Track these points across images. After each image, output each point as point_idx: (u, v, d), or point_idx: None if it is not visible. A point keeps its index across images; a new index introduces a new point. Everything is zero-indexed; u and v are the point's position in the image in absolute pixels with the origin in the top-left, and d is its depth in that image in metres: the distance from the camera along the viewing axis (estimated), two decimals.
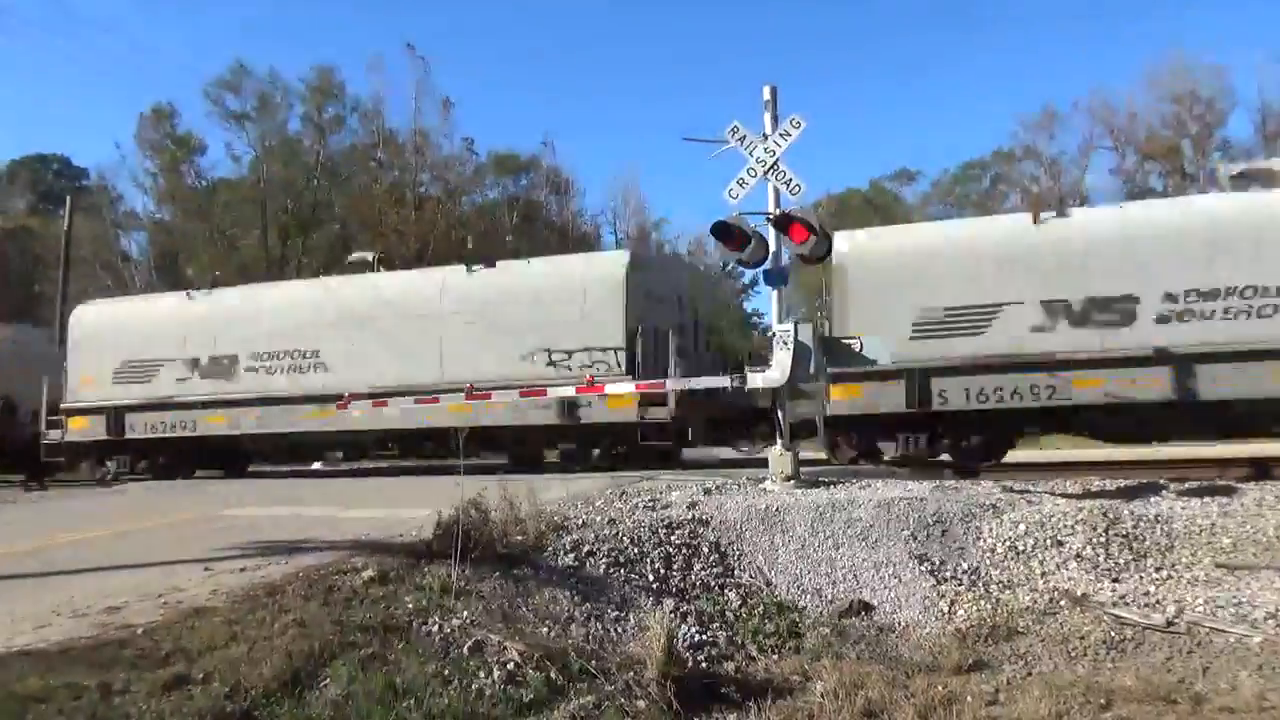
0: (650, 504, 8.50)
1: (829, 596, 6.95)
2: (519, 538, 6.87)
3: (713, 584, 6.98)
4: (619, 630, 6.04)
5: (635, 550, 7.17)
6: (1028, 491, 9.06)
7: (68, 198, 34.92)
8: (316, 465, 19.20)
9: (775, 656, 6.00)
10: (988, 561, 7.30)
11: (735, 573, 7.22)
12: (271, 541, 7.57)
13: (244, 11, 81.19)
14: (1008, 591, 6.89)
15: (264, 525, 8.66)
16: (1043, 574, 7.04)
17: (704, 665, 5.66)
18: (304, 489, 13.48)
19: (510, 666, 4.84)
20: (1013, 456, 13.75)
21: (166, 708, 3.68)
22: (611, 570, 6.86)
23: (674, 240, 57.96)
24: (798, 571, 7.21)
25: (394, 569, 6.05)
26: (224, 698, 3.90)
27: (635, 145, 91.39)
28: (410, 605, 5.44)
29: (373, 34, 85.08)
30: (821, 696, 5.04)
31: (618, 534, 7.40)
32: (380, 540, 7.11)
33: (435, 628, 5.21)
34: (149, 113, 44.37)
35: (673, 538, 7.46)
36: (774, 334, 9.66)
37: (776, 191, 9.69)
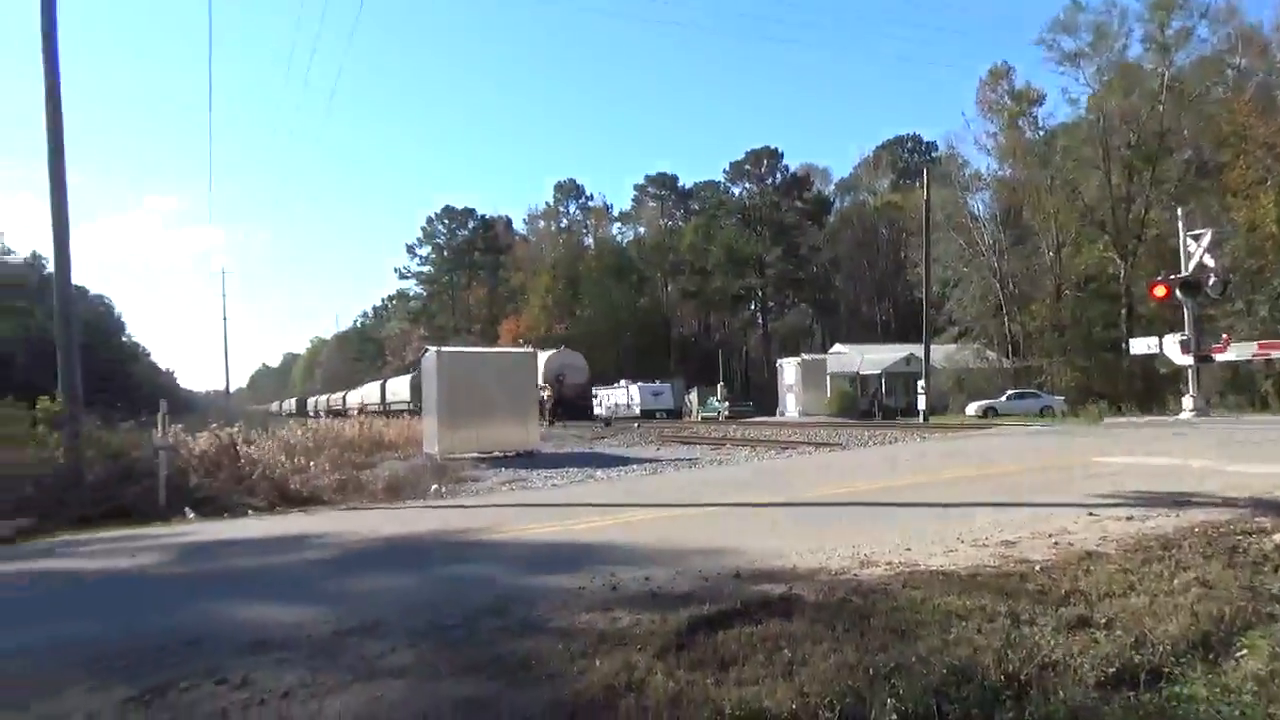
0: None
1: None
2: None
3: None
4: None
5: None
6: None
7: (924, 170, 38.74)
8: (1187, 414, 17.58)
9: None
10: None
11: None
12: (1150, 492, 7.20)
13: None
14: None
15: (1136, 474, 8.28)
16: None
17: None
18: (1161, 441, 12.50)
19: None
20: None
21: (1074, 646, 3.73)
22: None
23: None
24: None
25: None
26: (1130, 648, 3.79)
27: None
28: None
29: None
30: None
31: None
32: None
33: None
34: (986, 76, 46.41)
35: None
36: None
37: None
